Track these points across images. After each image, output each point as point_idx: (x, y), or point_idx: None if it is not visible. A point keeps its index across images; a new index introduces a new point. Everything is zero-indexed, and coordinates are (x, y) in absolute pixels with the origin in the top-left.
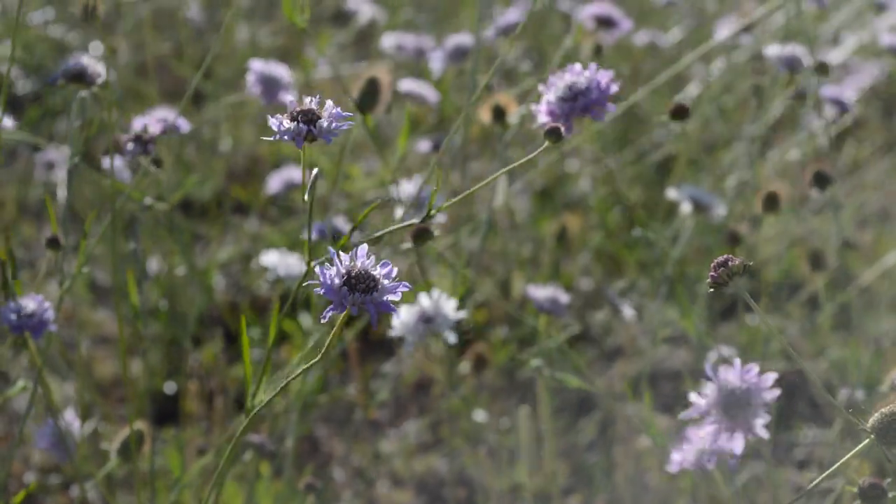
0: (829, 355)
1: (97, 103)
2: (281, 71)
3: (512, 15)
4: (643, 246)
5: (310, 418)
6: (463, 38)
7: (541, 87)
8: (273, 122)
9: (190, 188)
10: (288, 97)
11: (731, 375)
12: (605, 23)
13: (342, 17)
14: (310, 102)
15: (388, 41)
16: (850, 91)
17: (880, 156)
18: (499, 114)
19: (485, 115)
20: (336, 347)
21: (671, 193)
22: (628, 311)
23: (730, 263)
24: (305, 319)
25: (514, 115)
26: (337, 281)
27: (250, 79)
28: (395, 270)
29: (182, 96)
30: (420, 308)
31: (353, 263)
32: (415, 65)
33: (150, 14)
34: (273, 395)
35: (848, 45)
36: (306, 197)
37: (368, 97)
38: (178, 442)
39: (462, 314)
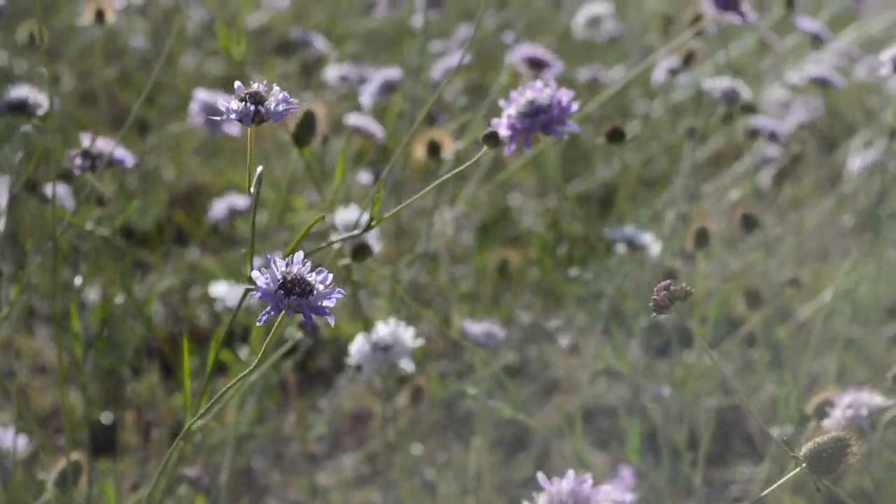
0: (764, 392)
1: (40, 132)
2: (224, 100)
3: (453, 56)
4: (581, 282)
5: (246, 451)
6: (391, 73)
7: (502, 102)
8: (221, 103)
9: (130, 214)
10: (233, 126)
11: (564, 487)
12: (536, 65)
13: (288, 47)
14: (257, 87)
15: (332, 73)
16: (786, 125)
17: (819, 193)
18: (433, 149)
19: (419, 151)
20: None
21: (605, 233)
22: (565, 343)
23: (672, 288)
24: (243, 352)
25: (448, 151)
26: (273, 285)
27: (194, 108)
28: (331, 277)
29: (123, 123)
30: (377, 337)
31: (289, 269)
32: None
33: (98, 41)
34: (214, 402)
35: (786, 81)
36: (252, 189)
37: (305, 130)
38: (115, 473)
39: (420, 342)
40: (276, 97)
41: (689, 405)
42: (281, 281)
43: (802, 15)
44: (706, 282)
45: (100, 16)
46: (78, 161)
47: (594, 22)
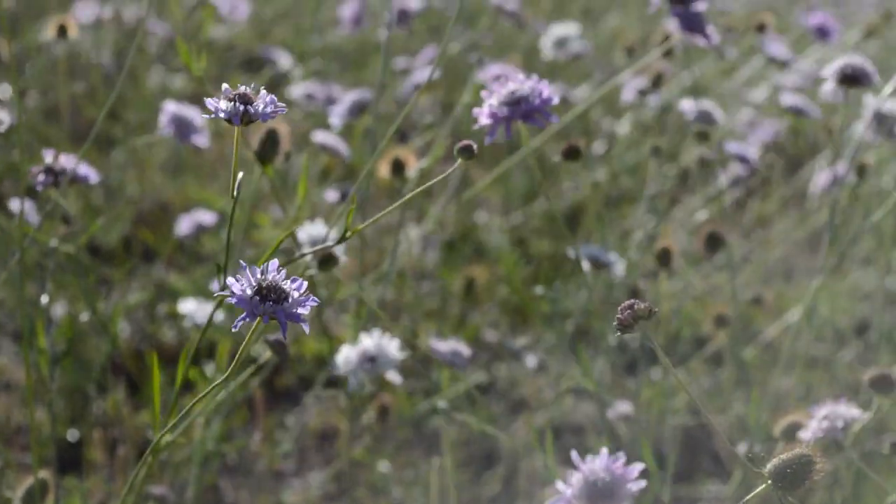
0: (731, 411)
1: (4, 147)
2: (193, 113)
3: (421, 73)
4: (548, 300)
5: (213, 468)
6: (362, 94)
7: (483, 94)
8: (210, 102)
9: (95, 231)
10: (202, 138)
11: (598, 465)
12: None
13: (253, 64)
14: (244, 89)
15: (298, 90)
16: (753, 148)
17: (784, 212)
18: (398, 168)
19: (384, 170)
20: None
21: (571, 253)
22: (531, 361)
23: (636, 307)
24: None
25: (412, 170)
26: (249, 291)
27: (163, 119)
28: (305, 285)
29: (92, 140)
30: (363, 348)
31: (264, 277)
32: (324, 114)
33: (63, 57)
34: (181, 416)
35: (752, 102)
36: (235, 192)
37: (268, 147)
38: (81, 491)
39: (405, 354)
40: (263, 99)
41: (656, 423)
42: (256, 287)
43: (770, 35)
44: (672, 301)
45: (62, 31)
46: (41, 177)
47: (561, 43)
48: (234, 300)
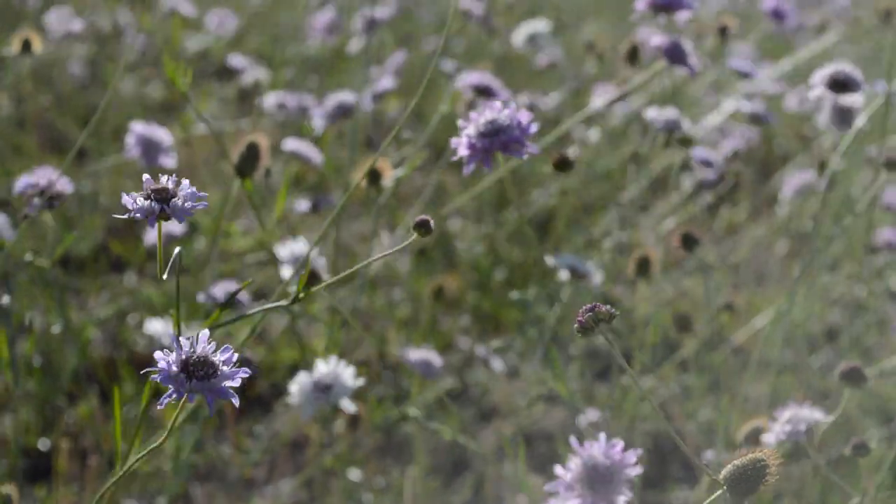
0: (700, 417)
1: None
2: (161, 134)
3: (387, 80)
4: (520, 307)
5: (184, 476)
6: (345, 97)
7: (460, 123)
8: (127, 200)
9: (69, 244)
10: (169, 159)
11: (596, 450)
12: (483, 92)
13: (227, 73)
14: (166, 181)
15: (270, 100)
16: (721, 155)
17: (755, 219)
18: (374, 177)
19: (360, 179)
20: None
21: (549, 261)
22: (499, 366)
23: (596, 310)
24: None
25: (388, 179)
26: (175, 368)
27: (130, 141)
28: (236, 356)
29: (62, 150)
30: (317, 376)
31: (192, 349)
32: (297, 123)
33: (29, 68)
34: (143, 454)
35: (723, 110)
36: (164, 276)
37: (248, 161)
38: (51, 501)
39: (360, 382)
40: (184, 193)
41: (626, 429)
42: (183, 363)
43: (733, 40)
44: (643, 306)
45: (26, 46)
46: (36, 201)
47: (533, 39)
48: (159, 378)
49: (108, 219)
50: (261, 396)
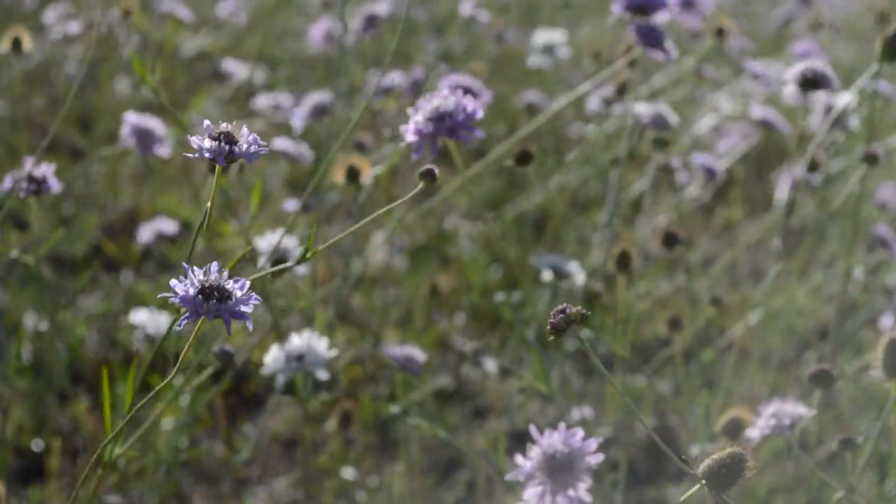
0: (693, 412)
1: None
2: (155, 123)
3: (391, 77)
4: (508, 307)
5: (176, 475)
6: (322, 97)
7: (410, 110)
8: (194, 141)
9: (55, 243)
10: (164, 149)
11: (555, 439)
12: (465, 93)
13: (224, 75)
14: (226, 126)
15: (263, 101)
16: (720, 158)
17: (752, 216)
18: (353, 175)
19: (339, 177)
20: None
21: (533, 261)
22: (491, 366)
23: (567, 311)
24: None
25: (367, 177)
26: (192, 291)
27: (125, 131)
28: (248, 284)
29: (58, 150)
30: (291, 346)
31: (206, 277)
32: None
33: (23, 70)
34: (130, 443)
35: (721, 109)
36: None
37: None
38: (40, 500)
39: (334, 353)
40: (246, 138)
41: (619, 427)
42: (199, 287)
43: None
44: (639, 304)
45: (16, 45)
46: (24, 185)
47: (548, 49)
48: (177, 300)
49: (103, 219)
50: (257, 395)
